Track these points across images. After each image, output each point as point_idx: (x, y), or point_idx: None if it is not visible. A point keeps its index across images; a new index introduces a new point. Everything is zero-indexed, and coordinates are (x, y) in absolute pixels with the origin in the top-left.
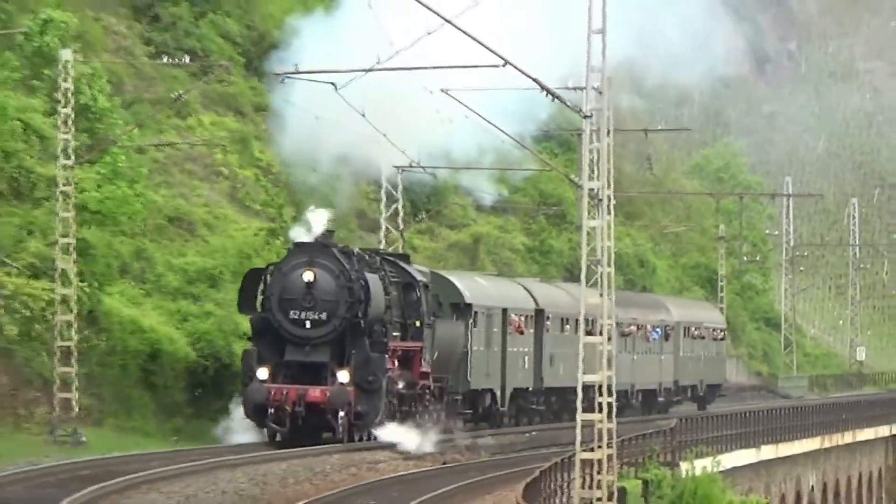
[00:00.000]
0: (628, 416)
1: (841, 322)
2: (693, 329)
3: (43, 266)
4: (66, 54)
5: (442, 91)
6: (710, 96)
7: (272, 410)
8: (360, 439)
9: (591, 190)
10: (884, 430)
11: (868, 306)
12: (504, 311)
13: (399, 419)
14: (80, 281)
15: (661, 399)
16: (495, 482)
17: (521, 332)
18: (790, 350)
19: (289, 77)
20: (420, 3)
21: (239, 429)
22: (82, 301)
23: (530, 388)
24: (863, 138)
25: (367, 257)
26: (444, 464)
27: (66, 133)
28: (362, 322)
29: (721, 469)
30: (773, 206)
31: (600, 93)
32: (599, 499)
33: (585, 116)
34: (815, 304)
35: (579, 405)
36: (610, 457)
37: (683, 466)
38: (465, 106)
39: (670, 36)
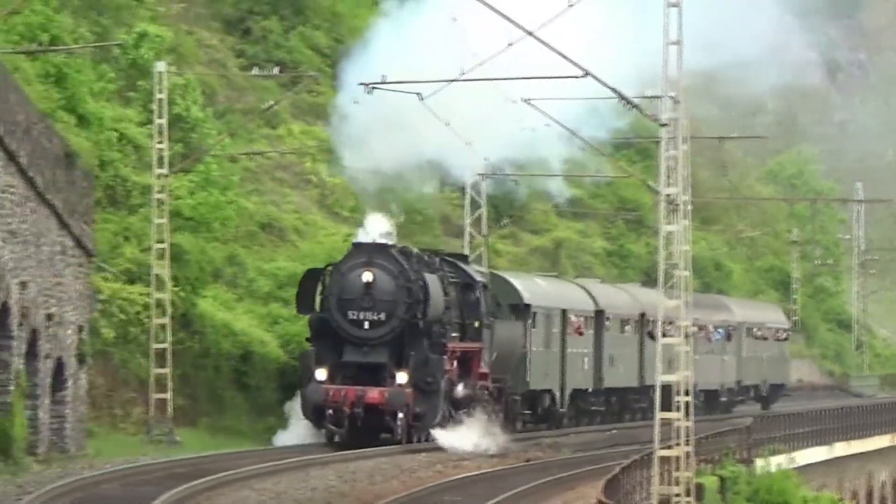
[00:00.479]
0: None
1: None
2: (756, 330)
3: (138, 271)
4: (161, 66)
5: (524, 101)
6: (783, 105)
7: (331, 412)
8: (419, 440)
9: (669, 196)
10: None
11: None
12: (563, 311)
13: (457, 420)
14: (175, 285)
15: (723, 399)
16: (576, 479)
17: (581, 333)
18: (861, 350)
19: (375, 87)
20: (503, 16)
21: (292, 430)
22: (176, 305)
23: (590, 389)
24: None
25: (426, 258)
26: (526, 461)
27: (160, 143)
28: (421, 323)
29: (795, 466)
30: (845, 211)
31: (677, 102)
32: (677, 495)
33: (663, 125)
34: (886, 306)
35: (658, 404)
36: (688, 454)
37: (759, 463)
38: (547, 115)
39: (744, 47)
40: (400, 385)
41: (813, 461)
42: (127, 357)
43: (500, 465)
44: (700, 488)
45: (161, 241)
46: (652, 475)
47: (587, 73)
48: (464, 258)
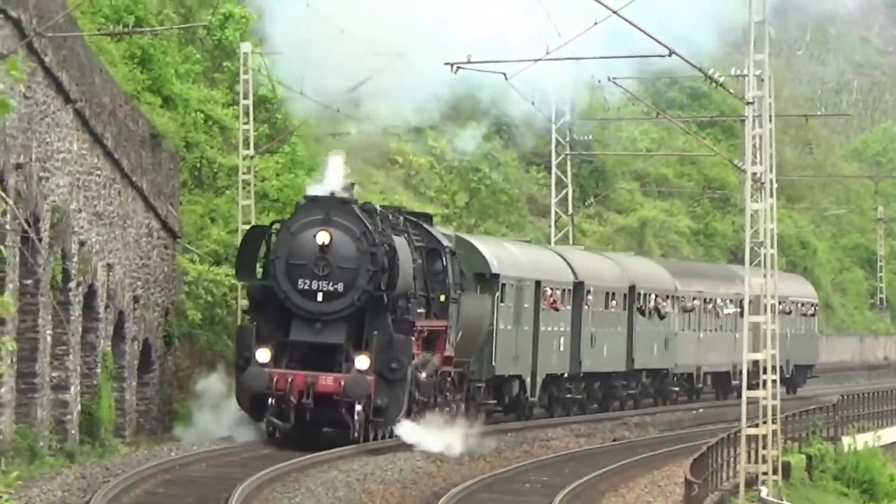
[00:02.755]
0: (682, 402)
1: None
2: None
3: (224, 252)
4: (246, 47)
5: (610, 80)
6: (868, 83)
7: (273, 401)
8: (376, 438)
9: (755, 174)
10: None
11: None
12: (537, 283)
13: (417, 412)
14: None
15: (735, 382)
16: (664, 458)
17: (557, 309)
18: None
19: (461, 67)
20: None
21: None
22: None
23: (566, 374)
24: None
25: (390, 216)
26: (613, 440)
27: (246, 123)
28: (385, 296)
29: (882, 444)
30: None
31: (762, 80)
32: (765, 473)
33: (748, 103)
34: None
35: (745, 383)
36: (774, 432)
37: (845, 441)
38: (633, 94)
39: (829, 26)
40: (360, 371)
41: None
42: (213, 339)
43: (588, 445)
44: (787, 466)
45: (247, 223)
46: (739, 453)
47: (672, 52)
48: (428, 218)
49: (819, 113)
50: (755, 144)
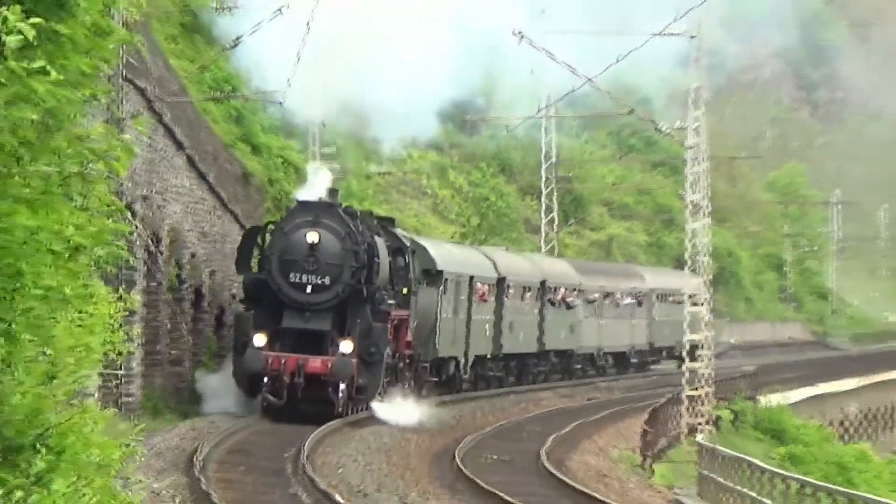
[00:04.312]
0: (591, 376)
1: (875, 294)
2: (669, 296)
3: None
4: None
5: (584, 131)
6: (779, 132)
7: (268, 380)
8: (356, 412)
9: (693, 201)
10: None
11: (895, 284)
12: (471, 278)
13: (388, 391)
14: None
15: (632, 360)
16: (626, 413)
17: (485, 300)
18: (839, 314)
19: (481, 121)
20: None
21: (212, 396)
22: None
23: (489, 356)
24: (890, 161)
25: (367, 220)
26: (588, 400)
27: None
28: (365, 289)
29: (788, 402)
30: (825, 211)
31: (698, 131)
32: (701, 424)
33: (688, 148)
34: (856, 282)
35: (686, 357)
36: (708, 394)
37: (761, 400)
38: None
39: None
40: (344, 355)
41: (801, 398)
42: None
43: (570, 403)
44: (718, 419)
45: None
46: (682, 410)
47: (632, 111)
48: (391, 221)
49: (742, 155)
50: (694, 179)
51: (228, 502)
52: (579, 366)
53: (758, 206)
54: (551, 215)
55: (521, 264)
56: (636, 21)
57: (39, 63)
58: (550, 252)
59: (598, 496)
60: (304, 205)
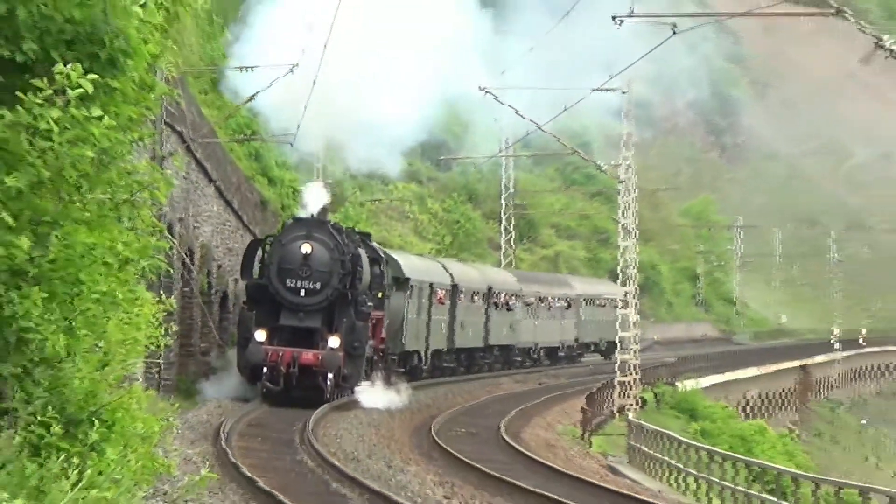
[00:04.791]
0: (528, 367)
1: (772, 299)
2: (594, 300)
3: None
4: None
5: (537, 165)
6: (693, 170)
7: (267, 370)
8: (341, 398)
9: (624, 224)
10: (794, 363)
11: (786, 292)
12: (431, 285)
13: (368, 380)
14: None
15: (562, 354)
16: (570, 395)
17: (442, 303)
18: (741, 316)
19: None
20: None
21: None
22: None
23: (444, 349)
24: (783, 193)
25: (351, 234)
26: (539, 384)
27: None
28: (350, 293)
29: (700, 386)
30: (730, 233)
31: (628, 168)
32: (630, 404)
33: (620, 182)
34: (755, 291)
35: (618, 349)
36: (636, 379)
37: (679, 385)
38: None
39: (670, 135)
40: (332, 349)
41: (711, 384)
42: None
43: (524, 388)
44: (643, 400)
45: None
46: (614, 393)
47: (575, 151)
48: (369, 235)
49: (663, 188)
50: (624, 206)
51: (247, 466)
52: (517, 358)
53: (676, 228)
54: (509, 235)
55: (471, 273)
56: (579, 79)
57: (96, 111)
58: (508, 265)
59: (546, 462)
60: (299, 221)
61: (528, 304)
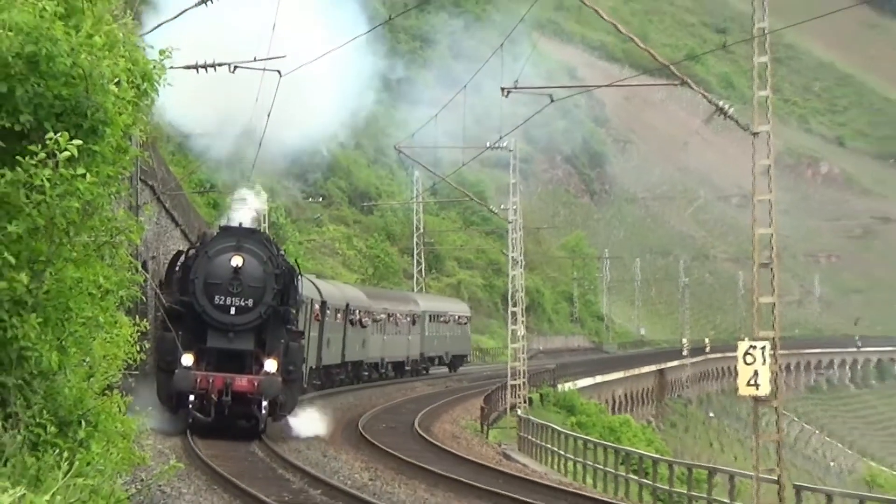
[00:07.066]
0: (375, 381)
1: (633, 316)
2: (439, 317)
3: None
4: (263, 199)
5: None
6: (569, 211)
7: (195, 398)
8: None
9: (514, 256)
10: (653, 367)
11: (645, 309)
12: (311, 301)
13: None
14: None
15: (408, 368)
16: (471, 396)
17: (318, 320)
18: (609, 330)
19: (375, 205)
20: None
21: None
22: None
23: (314, 367)
24: (642, 229)
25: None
26: (446, 387)
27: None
28: (283, 310)
29: (577, 387)
30: (599, 263)
31: (516, 211)
32: (520, 402)
33: (510, 222)
34: (620, 309)
35: (509, 361)
36: (524, 382)
37: (559, 387)
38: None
39: (549, 185)
40: (269, 373)
41: (585, 385)
42: None
43: (433, 390)
44: (531, 399)
45: None
46: (507, 394)
47: (472, 198)
48: (277, 247)
49: (545, 226)
50: (513, 242)
51: (209, 457)
52: (366, 373)
53: (555, 259)
54: (420, 267)
55: (333, 291)
56: (475, 139)
57: (81, 170)
58: (420, 291)
59: (451, 450)
60: (227, 230)
61: (377, 321)
